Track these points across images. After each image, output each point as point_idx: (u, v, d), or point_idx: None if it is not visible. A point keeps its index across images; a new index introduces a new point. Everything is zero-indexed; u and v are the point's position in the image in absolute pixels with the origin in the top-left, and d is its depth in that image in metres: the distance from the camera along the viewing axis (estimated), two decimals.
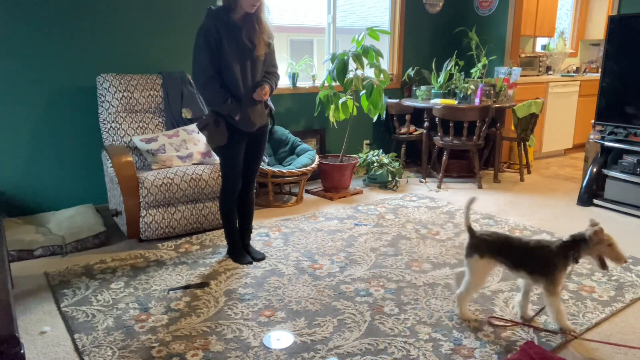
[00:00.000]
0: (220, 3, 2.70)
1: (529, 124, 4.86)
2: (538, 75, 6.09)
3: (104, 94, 3.55)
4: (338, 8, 4.97)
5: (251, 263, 2.98)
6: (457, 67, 4.99)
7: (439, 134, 4.71)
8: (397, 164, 4.66)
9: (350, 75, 4.17)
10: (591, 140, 4.30)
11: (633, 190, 3.92)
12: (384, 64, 5.36)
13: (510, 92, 5.11)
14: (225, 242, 3.24)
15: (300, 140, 4.50)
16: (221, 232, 3.45)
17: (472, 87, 4.83)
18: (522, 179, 4.98)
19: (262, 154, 3.01)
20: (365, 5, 5.25)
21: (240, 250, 3.06)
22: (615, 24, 3.98)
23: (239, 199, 3.01)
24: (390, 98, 5.13)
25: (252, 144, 2.92)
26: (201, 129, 2.82)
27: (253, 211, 3.12)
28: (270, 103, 2.93)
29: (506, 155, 5.53)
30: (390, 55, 5.43)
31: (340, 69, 4.07)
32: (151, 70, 3.91)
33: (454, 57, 5.03)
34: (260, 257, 3.05)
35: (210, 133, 2.78)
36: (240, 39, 2.68)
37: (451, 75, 5.05)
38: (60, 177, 3.71)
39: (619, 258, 2.15)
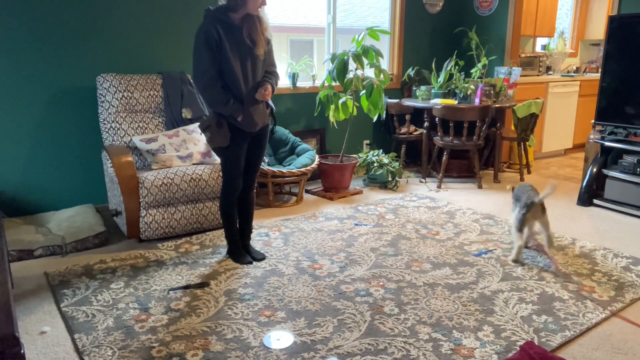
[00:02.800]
0: (222, 2, 2.69)
1: (529, 124, 4.86)
2: (538, 75, 6.09)
3: (104, 94, 3.55)
4: (338, 8, 4.97)
5: (251, 263, 2.99)
6: (457, 67, 4.99)
7: (439, 134, 4.71)
8: (397, 164, 4.66)
9: (350, 75, 4.17)
10: (591, 140, 4.30)
11: (633, 190, 3.92)
12: (384, 64, 5.36)
13: (510, 92, 5.10)
14: (225, 242, 3.24)
15: (300, 140, 4.50)
16: (221, 232, 3.45)
17: (472, 87, 4.83)
18: (522, 179, 4.98)
19: (263, 153, 3.01)
20: (365, 5, 5.25)
21: (241, 250, 3.06)
22: (615, 24, 3.98)
23: (239, 199, 3.01)
24: (390, 98, 5.13)
25: (254, 144, 2.93)
26: (203, 130, 2.81)
27: (253, 211, 3.12)
28: (271, 103, 2.93)
29: (506, 155, 5.53)
30: (390, 55, 5.43)
31: (340, 69, 4.07)
32: (151, 70, 3.91)
33: (454, 57, 5.03)
34: (261, 258, 3.05)
35: (213, 134, 2.77)
36: (240, 39, 2.68)
37: (451, 75, 5.05)
38: (60, 177, 3.71)
39: None
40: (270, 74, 2.87)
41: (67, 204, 3.74)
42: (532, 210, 2.96)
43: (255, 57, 2.74)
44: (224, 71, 2.70)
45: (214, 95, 2.69)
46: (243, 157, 2.89)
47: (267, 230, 3.53)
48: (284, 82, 4.61)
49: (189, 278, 2.80)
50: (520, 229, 3.00)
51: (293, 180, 4.04)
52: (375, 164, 4.66)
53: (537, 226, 3.16)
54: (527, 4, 5.68)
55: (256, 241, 3.30)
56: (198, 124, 3.68)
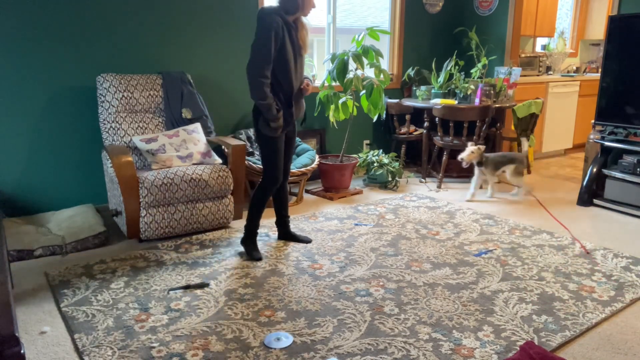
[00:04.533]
0: (275, 4, 2.85)
1: (529, 124, 4.86)
2: (538, 75, 6.09)
3: (104, 94, 3.55)
4: (338, 8, 4.97)
5: (260, 259, 3.03)
6: (457, 67, 5.00)
7: (439, 134, 4.71)
8: (397, 164, 4.66)
9: (350, 75, 4.17)
10: (591, 140, 4.30)
11: (633, 190, 3.92)
12: (384, 64, 5.36)
13: (510, 92, 5.11)
14: (224, 242, 3.25)
15: (300, 140, 4.50)
16: (221, 232, 3.46)
17: (472, 87, 4.83)
18: None
19: (294, 144, 3.21)
20: (365, 5, 5.25)
21: (255, 244, 3.15)
22: (615, 24, 3.98)
23: (275, 193, 3.25)
24: (390, 98, 5.13)
25: (287, 137, 3.11)
26: (273, 119, 2.87)
27: (287, 201, 3.35)
28: None
29: None
30: (390, 55, 5.43)
31: (340, 69, 4.07)
32: (151, 70, 3.91)
33: (454, 57, 5.03)
34: (308, 241, 3.31)
35: (279, 122, 2.89)
36: (296, 39, 2.90)
37: (451, 75, 5.05)
38: (60, 177, 3.71)
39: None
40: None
41: (67, 204, 3.74)
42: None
43: (302, 57, 2.99)
44: (281, 67, 2.86)
45: (262, 82, 2.79)
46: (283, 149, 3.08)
47: (267, 230, 3.53)
48: None
49: (189, 278, 2.80)
50: (522, 174, 4.34)
51: (293, 180, 4.04)
52: (375, 164, 4.66)
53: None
54: (527, 4, 5.68)
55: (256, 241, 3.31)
56: (198, 124, 3.69)
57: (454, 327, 2.31)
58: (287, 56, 2.84)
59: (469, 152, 4.20)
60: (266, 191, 3.07)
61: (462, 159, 4.22)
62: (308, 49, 3.05)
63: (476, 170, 4.33)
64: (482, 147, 4.26)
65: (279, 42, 2.80)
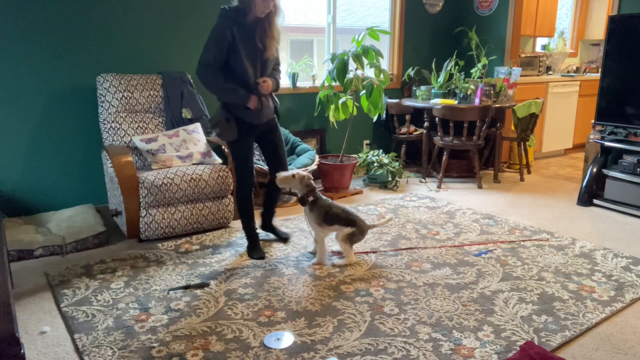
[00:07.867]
0: (235, 3, 2.80)
1: (529, 124, 4.86)
2: (538, 75, 6.09)
3: (104, 94, 3.55)
4: (338, 8, 4.96)
5: (262, 259, 3.04)
6: (457, 67, 4.99)
7: (439, 134, 4.71)
8: (397, 164, 4.66)
9: (350, 75, 4.17)
10: (591, 140, 4.30)
11: (633, 190, 3.92)
12: (384, 64, 5.36)
13: (510, 92, 5.10)
14: (224, 242, 3.25)
15: (300, 140, 4.50)
16: (221, 232, 3.46)
17: (472, 87, 4.83)
18: (522, 179, 4.98)
19: (281, 144, 3.15)
20: (365, 5, 5.25)
21: (255, 244, 3.15)
22: (615, 24, 3.98)
23: (269, 188, 3.24)
24: (390, 98, 5.13)
25: (266, 138, 3.08)
26: (213, 126, 2.96)
27: (279, 197, 3.38)
28: (277, 100, 3.08)
29: (506, 155, 5.53)
30: (390, 55, 5.43)
31: (340, 69, 4.07)
32: (151, 70, 3.91)
33: (454, 57, 5.03)
34: (285, 237, 3.32)
35: (222, 129, 2.92)
36: (253, 41, 2.81)
37: (451, 75, 5.05)
38: (60, 177, 3.71)
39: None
40: (275, 70, 3.03)
41: (67, 204, 3.74)
42: None
43: (266, 59, 2.89)
44: (236, 69, 2.82)
45: (211, 79, 2.80)
46: (252, 152, 3.02)
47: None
48: (284, 82, 4.61)
49: (189, 278, 2.80)
50: (352, 245, 3.09)
51: None
52: (375, 164, 4.66)
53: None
54: (527, 4, 5.68)
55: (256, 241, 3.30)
56: (198, 124, 3.70)
57: (454, 327, 2.31)
58: (238, 59, 2.79)
59: (289, 175, 2.96)
60: (241, 192, 3.10)
61: (277, 177, 2.98)
62: (273, 51, 2.87)
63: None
64: (307, 177, 2.98)
65: (226, 45, 2.76)
